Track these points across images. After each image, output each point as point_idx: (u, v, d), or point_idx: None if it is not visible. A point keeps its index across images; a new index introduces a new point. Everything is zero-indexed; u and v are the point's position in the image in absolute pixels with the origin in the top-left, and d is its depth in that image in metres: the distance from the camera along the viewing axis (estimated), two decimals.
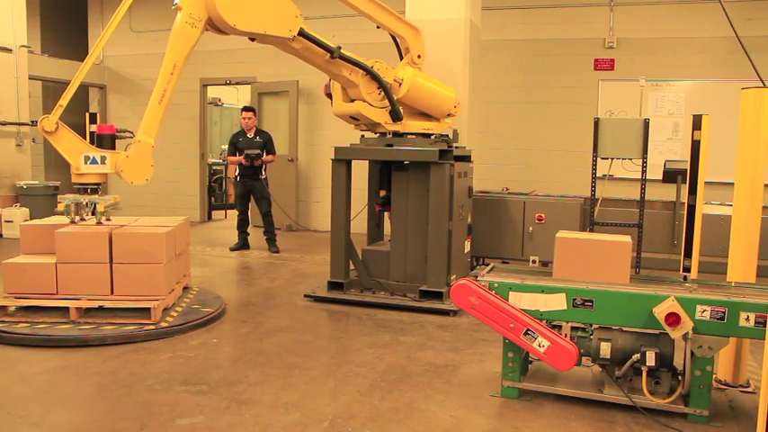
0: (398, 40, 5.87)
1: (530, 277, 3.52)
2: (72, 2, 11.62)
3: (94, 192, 4.60)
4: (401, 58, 5.87)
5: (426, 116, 5.85)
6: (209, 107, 11.73)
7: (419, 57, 5.80)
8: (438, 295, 5.37)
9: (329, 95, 5.97)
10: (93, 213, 4.70)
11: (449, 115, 5.99)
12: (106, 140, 4.74)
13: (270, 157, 8.04)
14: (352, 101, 5.60)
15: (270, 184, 8.17)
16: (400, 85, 5.53)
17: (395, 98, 5.52)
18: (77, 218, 4.69)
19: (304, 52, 5.17)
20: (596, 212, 6.14)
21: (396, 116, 5.56)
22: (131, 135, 4.71)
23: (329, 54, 5.15)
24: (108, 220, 4.89)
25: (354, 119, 5.73)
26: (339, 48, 5.19)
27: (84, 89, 11.67)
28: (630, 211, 6.22)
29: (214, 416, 3.23)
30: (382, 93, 5.48)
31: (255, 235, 8.43)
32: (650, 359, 3.20)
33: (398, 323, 5.01)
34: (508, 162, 9.14)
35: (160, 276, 4.76)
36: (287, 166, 9.98)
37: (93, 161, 4.48)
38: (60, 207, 4.66)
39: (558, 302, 3.33)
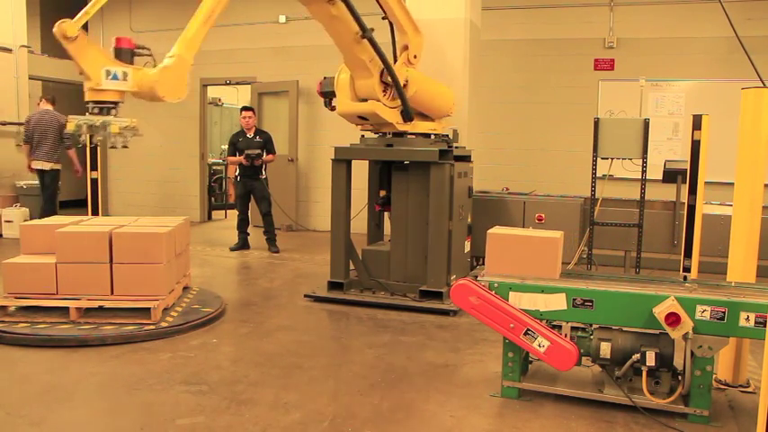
0: (399, 35, 5.83)
1: (530, 277, 3.52)
2: (72, 2, 11.62)
3: (110, 112, 4.05)
4: (395, 59, 5.78)
5: (424, 116, 5.82)
6: (209, 107, 11.73)
7: (415, 57, 5.77)
8: (438, 295, 5.37)
9: (323, 94, 5.91)
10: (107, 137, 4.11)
11: (446, 115, 5.97)
12: (125, 55, 4.13)
13: (270, 156, 8.04)
14: (361, 100, 5.47)
15: (270, 184, 8.17)
16: (405, 86, 5.49)
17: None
18: (89, 141, 4.15)
19: (336, 22, 4.92)
20: (596, 212, 6.14)
21: (407, 116, 5.51)
22: (149, 53, 4.20)
23: (361, 32, 4.96)
24: (125, 146, 4.21)
25: (363, 118, 5.60)
26: (372, 30, 5.04)
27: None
28: (630, 211, 6.21)
29: (214, 416, 3.23)
30: (390, 92, 5.38)
31: (255, 235, 8.43)
32: (650, 359, 3.20)
33: (398, 323, 5.01)
34: (508, 162, 9.14)
35: (160, 276, 4.76)
36: (287, 166, 9.98)
37: (115, 77, 3.97)
38: (70, 127, 4.02)
39: (558, 302, 3.33)
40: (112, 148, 4.13)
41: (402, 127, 5.57)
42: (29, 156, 8.59)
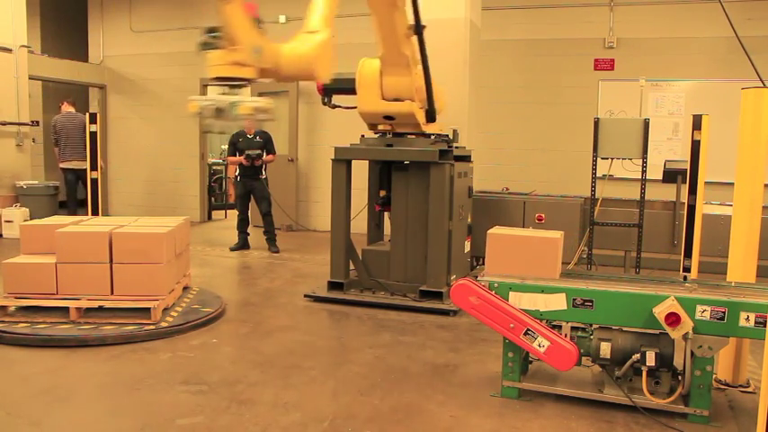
0: None
1: (530, 277, 3.52)
2: (72, 2, 11.61)
3: (238, 90, 3.51)
4: None
5: None
6: None
7: None
8: (438, 295, 5.37)
9: (322, 90, 5.86)
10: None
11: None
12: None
13: (270, 156, 8.03)
14: (389, 100, 5.37)
15: (270, 184, 8.16)
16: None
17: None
18: (215, 126, 3.57)
19: (395, 14, 4.69)
20: (596, 212, 6.14)
21: (431, 116, 5.47)
22: (262, 26, 3.63)
23: (413, 27, 4.76)
24: (259, 139, 3.62)
25: (389, 118, 5.47)
26: (424, 27, 4.84)
27: (84, 89, 11.67)
28: (630, 211, 6.21)
29: (214, 416, 3.23)
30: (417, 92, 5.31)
31: (255, 235, 8.43)
32: (650, 359, 3.20)
33: (398, 323, 5.00)
34: (508, 162, 9.14)
35: (160, 276, 4.76)
36: (287, 166, 9.98)
37: (256, 51, 3.46)
38: (192, 109, 3.48)
39: (558, 302, 3.33)
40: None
41: (424, 127, 5.54)
42: (58, 157, 9.09)
